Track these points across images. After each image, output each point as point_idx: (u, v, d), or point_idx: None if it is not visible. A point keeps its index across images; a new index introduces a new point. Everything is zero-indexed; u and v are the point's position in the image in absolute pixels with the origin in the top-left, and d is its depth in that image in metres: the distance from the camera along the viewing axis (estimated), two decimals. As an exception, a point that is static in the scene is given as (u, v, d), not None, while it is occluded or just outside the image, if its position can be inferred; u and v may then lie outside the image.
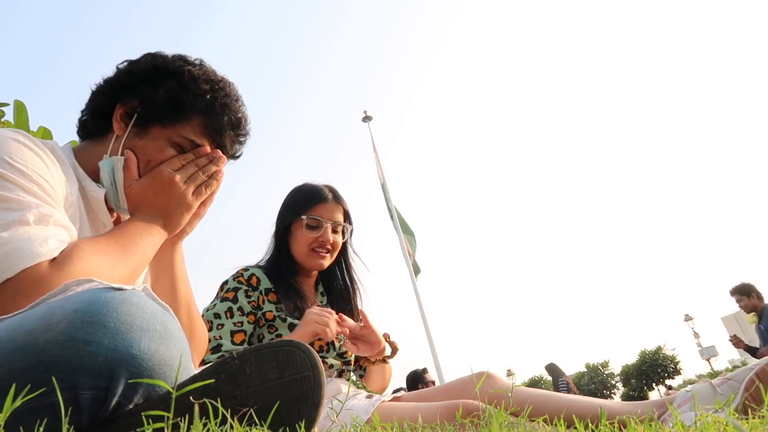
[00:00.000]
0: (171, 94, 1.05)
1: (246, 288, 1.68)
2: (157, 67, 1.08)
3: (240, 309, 1.64)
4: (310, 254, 1.75)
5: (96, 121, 1.09)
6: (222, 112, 1.08)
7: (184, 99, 1.05)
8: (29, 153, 0.90)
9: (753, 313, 5.69)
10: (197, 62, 1.11)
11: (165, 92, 1.05)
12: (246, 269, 1.74)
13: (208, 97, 1.07)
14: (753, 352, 5.93)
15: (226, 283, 1.72)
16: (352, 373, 1.80)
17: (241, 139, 1.16)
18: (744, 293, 5.73)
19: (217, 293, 1.71)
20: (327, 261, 1.78)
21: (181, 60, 1.10)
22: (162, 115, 1.05)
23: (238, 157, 1.19)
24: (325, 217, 1.76)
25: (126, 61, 1.12)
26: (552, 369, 10.24)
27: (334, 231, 1.78)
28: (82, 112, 1.12)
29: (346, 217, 1.84)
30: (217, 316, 1.61)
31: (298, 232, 1.76)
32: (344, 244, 1.88)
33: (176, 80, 1.06)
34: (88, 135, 1.11)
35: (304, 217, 1.75)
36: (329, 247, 1.76)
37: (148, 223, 1.01)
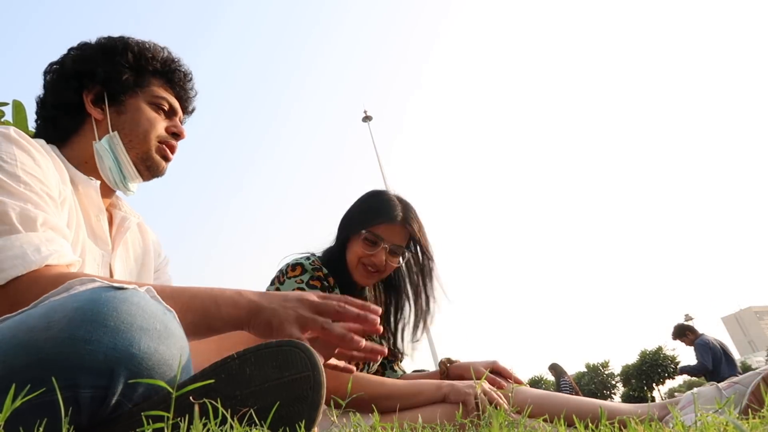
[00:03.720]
0: (130, 63, 1.13)
1: (327, 285, 1.60)
2: (104, 47, 1.13)
3: None
4: (358, 268, 1.65)
5: (69, 117, 1.11)
6: (176, 68, 1.20)
7: (143, 64, 1.14)
8: (19, 151, 0.90)
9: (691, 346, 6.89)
10: (126, 37, 1.17)
11: (125, 63, 1.12)
12: (318, 266, 1.63)
13: (160, 57, 1.17)
14: (689, 371, 7.01)
15: (301, 266, 1.60)
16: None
17: (194, 93, 1.26)
18: (687, 332, 6.89)
19: (290, 274, 1.59)
20: (373, 281, 1.69)
21: (116, 38, 1.16)
22: (131, 85, 1.12)
23: (193, 112, 1.29)
24: (385, 237, 1.64)
25: (59, 61, 1.13)
26: (555, 369, 10.24)
27: (392, 253, 1.65)
28: (45, 112, 1.12)
29: (412, 241, 1.71)
30: None
31: (355, 243, 1.66)
32: (408, 269, 1.78)
33: (128, 51, 1.13)
34: (64, 134, 1.11)
35: (363, 232, 1.64)
36: (381, 269, 1.65)
37: (234, 305, 0.83)
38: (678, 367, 7.21)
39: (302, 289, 1.54)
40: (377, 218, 1.65)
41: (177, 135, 1.18)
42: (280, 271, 1.64)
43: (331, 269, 1.66)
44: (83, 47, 1.14)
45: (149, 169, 1.14)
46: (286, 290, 1.48)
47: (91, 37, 1.17)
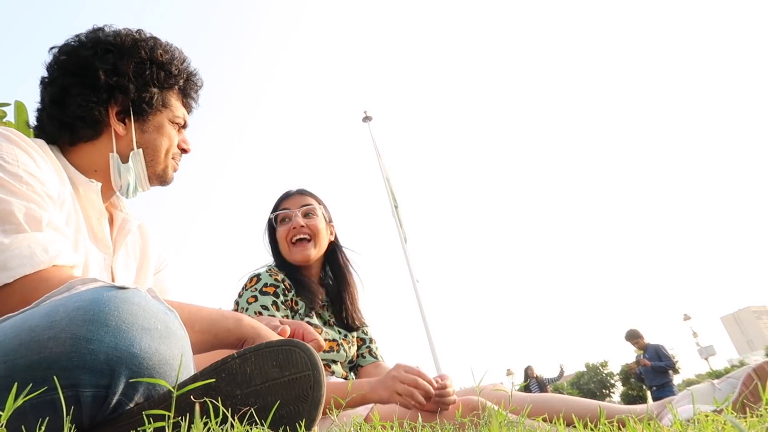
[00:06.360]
0: (159, 82, 1.11)
1: (283, 287, 1.69)
2: (135, 60, 1.08)
3: (284, 303, 1.66)
4: (291, 248, 1.76)
5: (89, 127, 1.06)
6: (193, 83, 1.20)
7: (173, 83, 1.14)
8: (20, 152, 0.90)
9: (639, 349, 7.83)
10: (152, 38, 1.14)
11: (156, 83, 1.11)
12: (275, 273, 1.73)
13: (183, 74, 1.16)
14: (641, 378, 7.90)
15: (258, 277, 1.71)
16: (351, 374, 1.80)
17: (199, 95, 1.25)
18: (637, 337, 7.74)
19: (248, 285, 1.70)
20: (311, 251, 1.76)
21: (146, 42, 1.12)
22: (158, 104, 1.11)
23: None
24: (291, 206, 1.81)
25: (84, 64, 1.05)
26: (531, 370, 10.65)
27: (307, 216, 1.79)
28: (63, 117, 1.05)
29: (320, 205, 1.86)
30: (264, 307, 1.62)
31: (278, 231, 1.80)
32: (335, 240, 1.91)
33: (157, 66, 1.11)
34: (78, 140, 1.07)
35: (273, 215, 1.82)
36: (307, 233, 1.76)
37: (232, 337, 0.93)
38: (643, 366, 7.87)
39: (255, 297, 1.64)
40: (278, 201, 1.85)
41: (187, 150, 1.20)
42: (243, 285, 1.73)
43: (285, 272, 1.75)
44: (109, 50, 1.07)
45: (161, 183, 1.17)
46: (244, 301, 1.64)
47: (107, 23, 1.12)
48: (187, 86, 1.18)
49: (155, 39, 1.14)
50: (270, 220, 1.84)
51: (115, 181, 1.09)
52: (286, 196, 1.86)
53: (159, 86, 1.11)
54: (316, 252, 1.78)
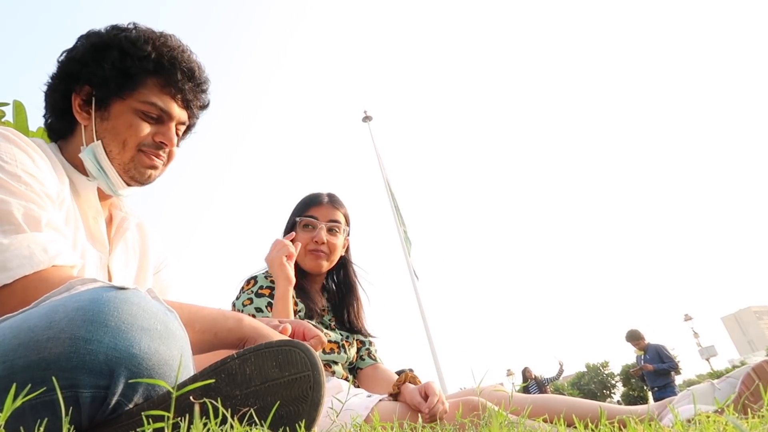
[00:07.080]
0: (116, 64, 1.03)
1: None
2: (94, 45, 1.05)
3: None
4: (308, 255, 1.77)
5: (60, 120, 1.07)
6: (172, 65, 1.06)
7: (130, 65, 1.03)
8: (19, 152, 0.90)
9: (640, 350, 7.74)
10: (131, 26, 1.08)
11: (110, 65, 1.03)
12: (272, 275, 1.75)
13: (153, 56, 1.04)
14: (642, 379, 7.81)
15: (255, 279, 1.73)
16: (350, 375, 1.80)
17: (203, 87, 1.14)
18: (638, 337, 7.66)
19: (244, 288, 1.72)
20: (324, 262, 1.79)
21: (115, 29, 1.07)
22: (116, 89, 1.03)
23: (206, 106, 1.18)
24: (319, 217, 1.79)
25: (64, 51, 1.08)
26: (529, 371, 10.71)
27: (330, 231, 1.80)
28: (45, 115, 1.09)
29: (346, 222, 1.86)
30: (259, 310, 1.64)
31: (297, 235, 1.78)
32: (346, 252, 1.90)
33: (116, 50, 1.03)
34: (60, 135, 1.08)
35: (298, 218, 1.80)
36: (325, 248, 1.77)
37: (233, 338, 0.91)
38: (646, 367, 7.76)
39: (251, 300, 1.66)
40: (308, 204, 1.83)
41: (164, 144, 1.08)
42: (240, 288, 1.75)
43: None
44: (82, 41, 1.06)
45: (133, 179, 1.07)
46: (240, 303, 1.66)
47: (102, 25, 1.09)
48: (162, 71, 1.05)
49: (129, 27, 1.07)
50: (293, 223, 1.82)
51: (91, 175, 1.06)
52: (316, 203, 1.82)
53: (117, 70, 1.02)
54: (327, 265, 1.80)
